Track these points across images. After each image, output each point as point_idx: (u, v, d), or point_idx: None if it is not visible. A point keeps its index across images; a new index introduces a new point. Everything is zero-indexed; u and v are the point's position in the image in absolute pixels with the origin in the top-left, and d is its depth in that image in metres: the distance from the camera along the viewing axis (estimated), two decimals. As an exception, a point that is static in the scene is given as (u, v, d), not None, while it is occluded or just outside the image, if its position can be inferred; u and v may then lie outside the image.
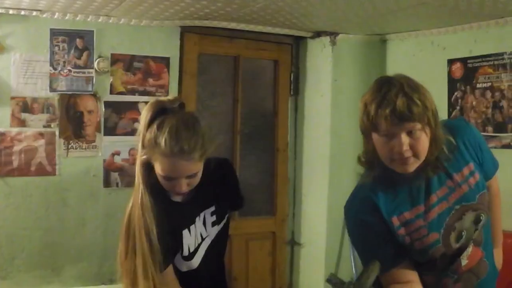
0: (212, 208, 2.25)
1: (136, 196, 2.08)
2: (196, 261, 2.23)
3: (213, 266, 2.34)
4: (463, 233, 1.98)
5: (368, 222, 2.03)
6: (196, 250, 2.22)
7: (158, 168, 2.01)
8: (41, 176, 3.80)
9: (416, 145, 1.88)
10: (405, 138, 1.87)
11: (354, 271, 4.43)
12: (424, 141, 1.90)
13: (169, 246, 2.11)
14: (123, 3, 3.49)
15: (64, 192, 3.87)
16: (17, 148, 3.72)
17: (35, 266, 3.81)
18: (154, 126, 2.00)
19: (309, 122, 4.78)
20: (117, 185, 3.99)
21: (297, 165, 4.89)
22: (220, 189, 2.28)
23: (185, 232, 2.18)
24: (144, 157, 2.03)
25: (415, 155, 1.90)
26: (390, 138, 1.89)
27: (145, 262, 2.05)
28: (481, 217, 1.99)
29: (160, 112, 2.03)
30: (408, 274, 2.00)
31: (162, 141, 1.96)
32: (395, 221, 2.00)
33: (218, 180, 2.27)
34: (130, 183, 3.97)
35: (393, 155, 1.91)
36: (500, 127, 3.78)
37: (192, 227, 2.20)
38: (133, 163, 3.98)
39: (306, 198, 4.82)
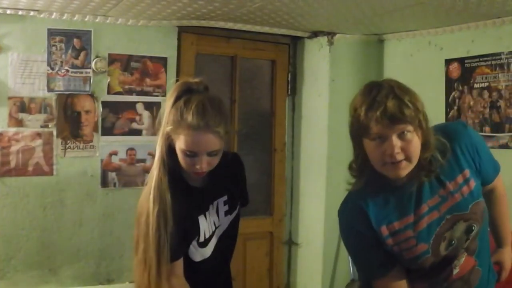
0: (225, 198, 2.27)
1: (153, 175, 2.10)
2: (209, 249, 2.23)
3: (223, 258, 2.34)
4: (453, 242, 1.96)
5: (358, 231, 2.03)
6: (210, 237, 2.22)
7: (181, 143, 2.04)
8: (38, 176, 3.80)
9: (408, 147, 1.85)
10: (396, 141, 1.84)
11: (351, 271, 4.43)
12: (416, 144, 1.87)
13: (185, 233, 2.13)
14: (120, 3, 3.49)
15: (61, 192, 3.86)
16: (14, 148, 3.72)
17: (32, 266, 3.80)
18: (181, 102, 2.05)
19: (307, 122, 4.78)
20: (114, 185, 3.99)
21: (295, 165, 4.89)
22: (232, 180, 2.32)
23: (201, 218, 2.19)
24: (169, 129, 2.06)
25: (407, 158, 1.87)
26: (382, 141, 1.86)
27: (159, 249, 2.05)
28: (473, 227, 1.97)
29: (186, 92, 2.09)
30: (398, 283, 2.01)
31: (189, 114, 2.01)
32: (384, 230, 1.99)
33: (229, 171, 2.31)
34: (127, 183, 3.98)
35: (385, 159, 1.88)
36: (498, 127, 3.78)
37: (207, 213, 2.21)
38: (131, 163, 4.00)
39: (304, 198, 4.83)
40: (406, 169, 1.89)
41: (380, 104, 1.82)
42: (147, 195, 2.08)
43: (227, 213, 2.28)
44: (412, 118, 1.82)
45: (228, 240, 2.31)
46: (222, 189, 2.27)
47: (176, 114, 2.04)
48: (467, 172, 1.99)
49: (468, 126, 2.12)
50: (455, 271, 2.02)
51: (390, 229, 1.98)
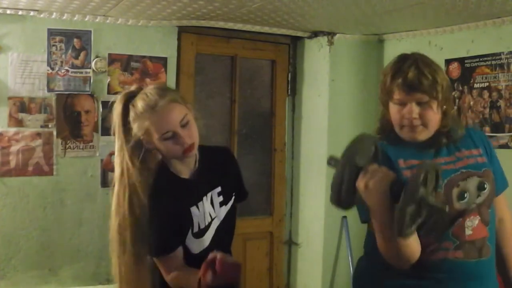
0: (218, 189, 2.28)
1: (123, 185, 2.21)
2: (207, 240, 2.24)
3: (222, 249, 2.35)
4: (466, 194, 2.01)
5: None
6: (206, 228, 2.23)
7: (154, 133, 2.08)
8: (38, 176, 3.80)
9: (425, 115, 2.03)
10: (414, 107, 2.02)
11: (351, 271, 4.43)
12: (432, 113, 2.04)
13: (178, 225, 2.15)
14: (120, 3, 3.49)
15: (61, 192, 3.86)
16: (14, 148, 3.72)
17: (32, 266, 3.81)
18: (130, 108, 2.11)
19: (306, 122, 4.79)
20: (114, 185, 3.98)
21: (295, 165, 4.89)
22: (224, 171, 2.33)
23: (193, 208, 2.20)
24: (135, 132, 2.11)
25: (424, 124, 2.04)
26: (402, 106, 2.05)
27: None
28: (485, 185, 2.04)
29: (129, 99, 2.14)
30: None
31: (139, 107, 2.08)
32: (401, 163, 2.07)
33: (220, 163, 2.34)
34: (127, 183, 3.98)
35: (403, 122, 2.06)
36: (497, 127, 3.78)
37: (200, 204, 2.22)
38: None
39: (304, 198, 4.83)
40: (422, 133, 2.07)
41: (402, 73, 2.02)
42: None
43: (222, 203, 2.29)
44: (430, 89, 2.01)
45: (226, 230, 2.32)
46: (215, 181, 2.29)
47: (132, 118, 2.10)
48: (481, 150, 2.15)
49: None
50: (468, 232, 2.02)
51: (407, 163, 2.07)
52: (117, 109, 2.15)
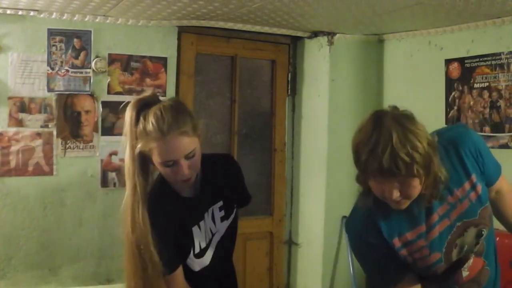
0: (220, 203, 2.24)
1: (130, 195, 2.05)
2: (207, 258, 2.22)
3: (224, 263, 2.34)
4: (464, 248, 2.00)
5: (370, 243, 2.03)
6: (207, 246, 2.20)
7: (156, 157, 1.99)
8: (38, 176, 3.79)
9: (405, 191, 1.85)
10: (394, 189, 1.84)
11: (351, 271, 4.43)
12: (413, 187, 1.85)
13: (179, 245, 2.12)
14: (120, 3, 3.49)
15: (61, 192, 3.86)
16: (14, 148, 3.72)
17: (32, 266, 3.80)
18: (141, 119, 2.00)
19: (307, 122, 4.78)
20: (114, 185, 3.99)
21: (295, 165, 4.89)
22: (226, 183, 2.28)
23: (195, 228, 2.17)
24: (139, 147, 2.00)
25: (406, 197, 1.88)
26: (381, 184, 1.86)
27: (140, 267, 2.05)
28: (483, 232, 2.01)
29: (142, 107, 2.03)
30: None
31: (149, 125, 1.96)
32: (397, 242, 2.00)
33: (222, 175, 2.27)
34: (127, 183, 3.98)
35: (384, 197, 1.90)
36: (498, 127, 3.78)
37: (201, 223, 2.18)
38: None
39: (304, 198, 4.82)
40: (406, 203, 1.91)
41: (376, 159, 1.78)
42: (126, 220, 2.05)
43: (223, 218, 2.25)
44: (408, 170, 1.79)
45: (226, 244, 2.30)
46: (216, 195, 2.24)
47: (141, 131, 2.00)
48: (474, 176, 2.01)
49: (467, 127, 2.12)
50: (465, 274, 2.05)
51: (402, 240, 2.00)
52: (129, 117, 2.03)
